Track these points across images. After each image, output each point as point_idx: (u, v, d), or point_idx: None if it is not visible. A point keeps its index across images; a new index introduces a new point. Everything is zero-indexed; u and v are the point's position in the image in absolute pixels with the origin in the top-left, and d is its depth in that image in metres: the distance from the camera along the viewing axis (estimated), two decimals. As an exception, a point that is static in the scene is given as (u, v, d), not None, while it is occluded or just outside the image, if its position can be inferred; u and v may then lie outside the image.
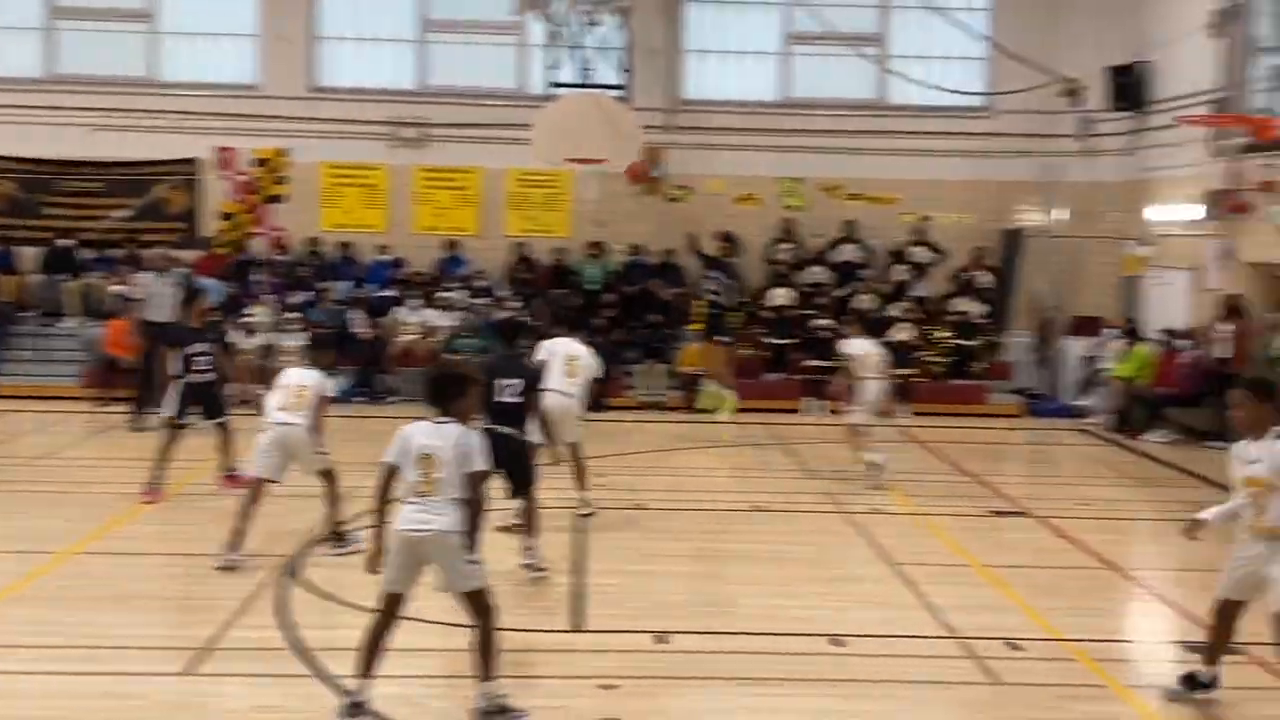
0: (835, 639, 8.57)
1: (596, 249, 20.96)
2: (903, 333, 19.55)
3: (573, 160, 18.41)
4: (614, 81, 20.07)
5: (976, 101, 21.39)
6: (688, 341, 19.88)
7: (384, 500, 6.91)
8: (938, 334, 20.16)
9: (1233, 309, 16.90)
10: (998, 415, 19.51)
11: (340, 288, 20.43)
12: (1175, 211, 18.60)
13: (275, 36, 21.10)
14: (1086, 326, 20.90)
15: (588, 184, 18.81)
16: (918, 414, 18.95)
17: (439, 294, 20.00)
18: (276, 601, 9.10)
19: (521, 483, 9.74)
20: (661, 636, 8.53)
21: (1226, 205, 17.03)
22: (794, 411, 19.02)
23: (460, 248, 21.11)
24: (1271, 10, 13.25)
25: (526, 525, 9.86)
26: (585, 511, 11.69)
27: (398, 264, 20.88)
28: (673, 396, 19.37)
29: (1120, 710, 7.54)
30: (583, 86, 19.28)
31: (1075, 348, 20.60)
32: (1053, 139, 20.97)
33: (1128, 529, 12.96)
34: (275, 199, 21.20)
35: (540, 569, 9.78)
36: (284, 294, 19.69)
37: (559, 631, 8.64)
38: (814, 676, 7.96)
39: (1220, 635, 7.49)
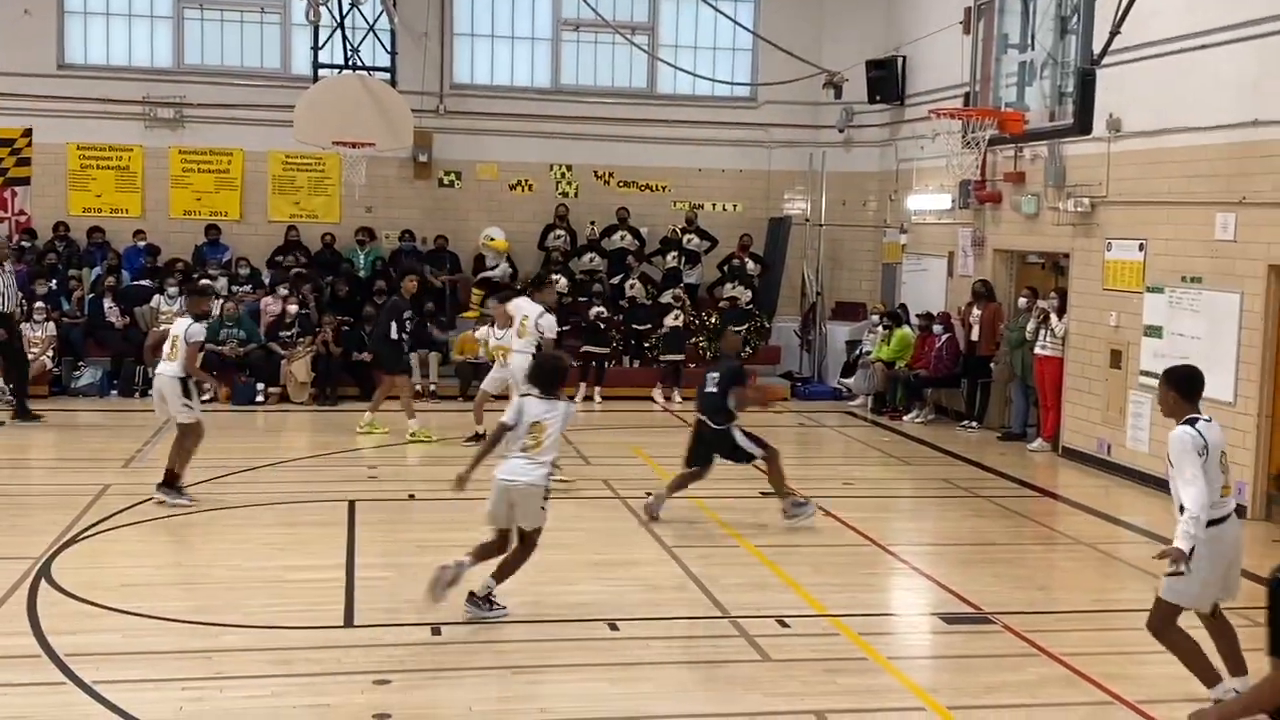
0: (611, 623, 8.63)
1: (365, 235, 20.54)
2: (675, 319, 19.81)
3: (340, 143, 17.94)
4: (381, 64, 19.63)
5: (744, 92, 21.88)
6: (463, 329, 19.62)
7: (489, 450, 8.85)
8: (708, 319, 20.49)
9: (983, 294, 17.71)
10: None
11: (92, 275, 19.44)
12: (930, 201, 19.39)
13: (19, 10, 19.84)
14: (849, 311, 21.66)
15: (355, 168, 18.35)
16: (687, 398, 19.24)
17: (200, 281, 19.19)
18: (28, 606, 8.60)
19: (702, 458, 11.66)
20: (435, 629, 8.43)
21: (977, 195, 17.85)
22: (570, 399, 18.95)
23: (221, 233, 20.35)
24: (1019, 9, 13.92)
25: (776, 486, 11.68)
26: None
27: (154, 250, 19.97)
28: (446, 385, 19.12)
29: (883, 681, 7.80)
30: (348, 68, 18.81)
31: (839, 332, 21.30)
32: (816, 129, 21.65)
33: (890, 506, 13.47)
34: (19, 181, 20.01)
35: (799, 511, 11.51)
36: (31, 282, 18.57)
37: (329, 627, 8.42)
38: (589, 662, 7.99)
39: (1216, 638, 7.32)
